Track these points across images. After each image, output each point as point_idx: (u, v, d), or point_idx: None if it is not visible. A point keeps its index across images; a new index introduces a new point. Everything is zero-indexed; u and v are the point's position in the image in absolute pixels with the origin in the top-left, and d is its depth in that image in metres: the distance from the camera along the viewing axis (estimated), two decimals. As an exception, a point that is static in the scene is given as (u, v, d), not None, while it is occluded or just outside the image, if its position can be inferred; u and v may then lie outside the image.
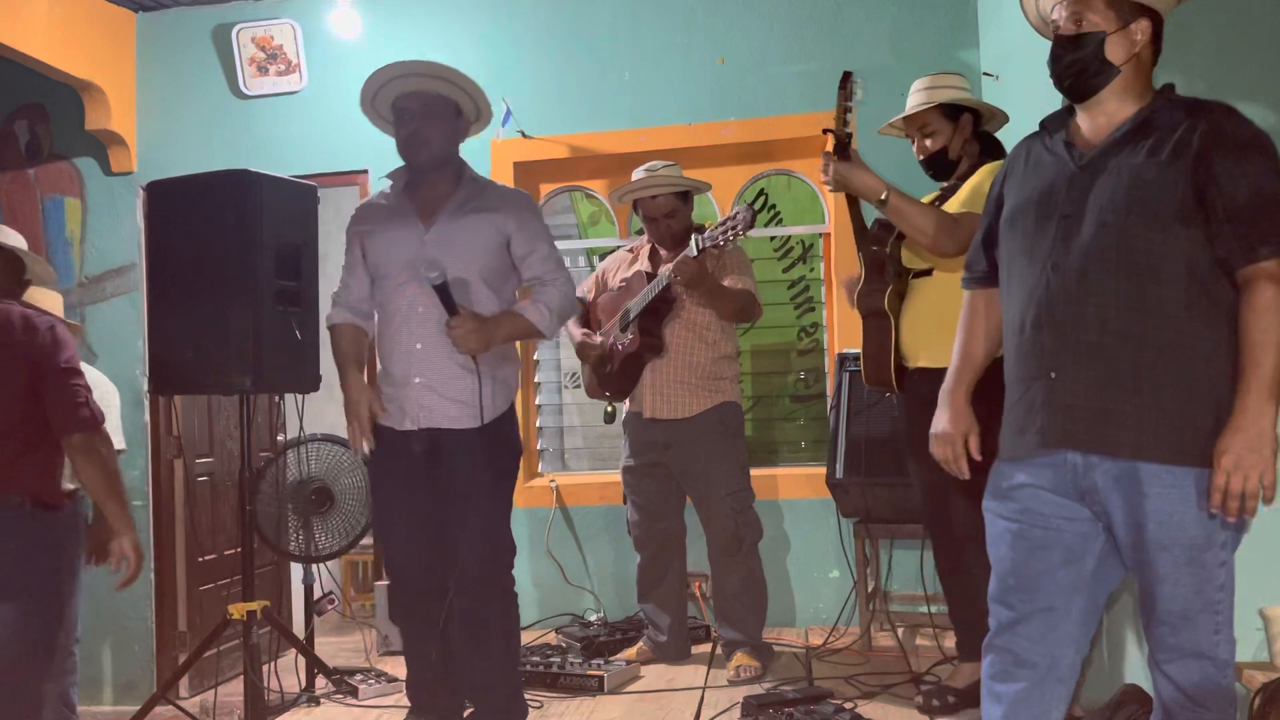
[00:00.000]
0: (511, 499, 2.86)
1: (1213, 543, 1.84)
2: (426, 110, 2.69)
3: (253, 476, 3.33)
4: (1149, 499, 1.84)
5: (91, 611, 3.91)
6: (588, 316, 3.74)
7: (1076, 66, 1.96)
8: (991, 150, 2.92)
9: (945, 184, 2.94)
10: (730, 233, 3.17)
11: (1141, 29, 1.95)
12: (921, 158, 2.95)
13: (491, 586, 2.73)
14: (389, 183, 2.88)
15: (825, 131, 2.76)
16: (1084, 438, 1.89)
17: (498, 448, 2.75)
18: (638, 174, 3.55)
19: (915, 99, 2.94)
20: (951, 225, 2.62)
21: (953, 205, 2.77)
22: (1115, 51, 1.94)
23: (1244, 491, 1.77)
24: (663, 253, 3.56)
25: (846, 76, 2.72)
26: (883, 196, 2.61)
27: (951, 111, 2.89)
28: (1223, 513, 1.79)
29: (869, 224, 2.98)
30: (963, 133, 2.89)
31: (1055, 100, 2.18)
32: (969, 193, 2.74)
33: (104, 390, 3.85)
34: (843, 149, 2.68)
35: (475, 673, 2.75)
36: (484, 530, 2.70)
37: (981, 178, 2.75)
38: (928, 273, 2.86)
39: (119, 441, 3.91)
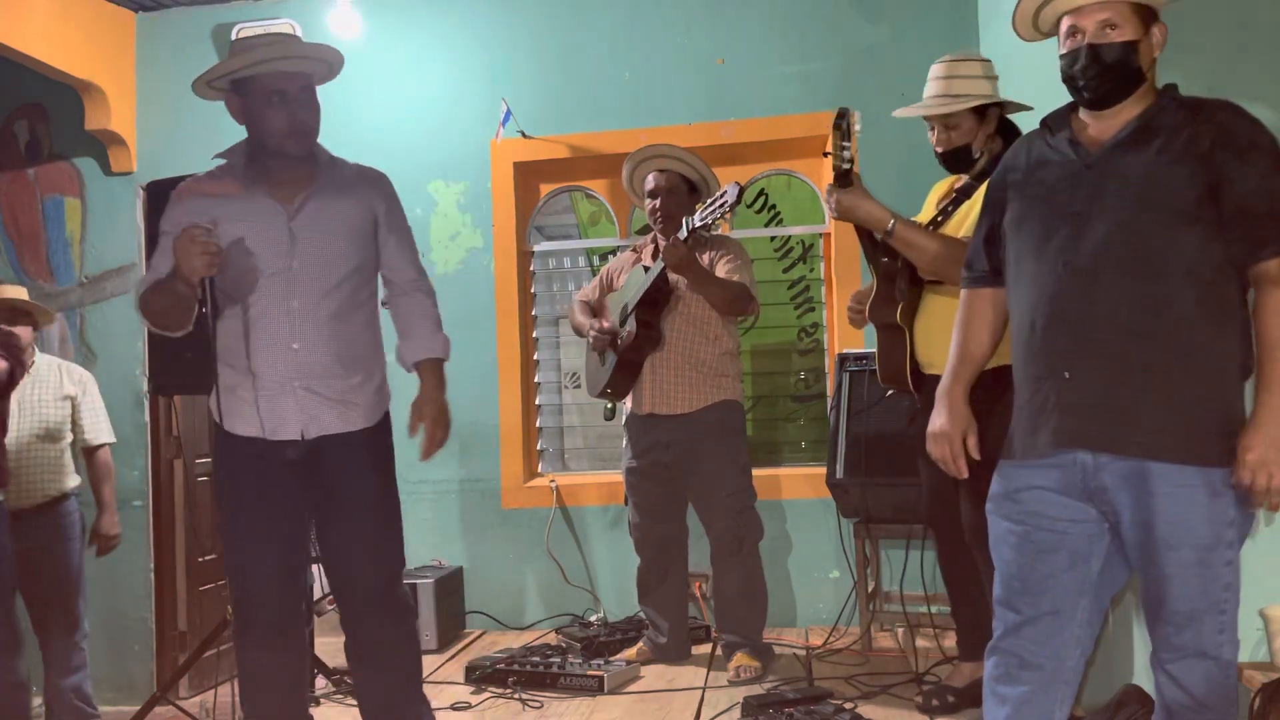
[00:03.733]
0: (399, 503, 2.62)
1: (1220, 542, 1.84)
2: (308, 96, 2.44)
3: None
4: (1158, 498, 1.84)
5: (92, 611, 3.92)
6: (596, 315, 3.73)
7: (1111, 76, 1.94)
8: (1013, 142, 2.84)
9: (964, 180, 2.85)
10: (719, 210, 3.17)
11: (1160, 32, 1.96)
12: (940, 150, 2.84)
13: (382, 605, 2.50)
14: None
15: (825, 154, 2.72)
16: (1097, 437, 1.89)
17: (385, 450, 2.57)
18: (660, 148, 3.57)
19: (938, 87, 2.81)
20: (961, 252, 2.55)
21: (958, 227, 2.70)
22: (1143, 59, 1.95)
23: (1269, 488, 1.79)
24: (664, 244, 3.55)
25: (841, 114, 2.60)
26: (889, 227, 2.57)
27: (979, 108, 2.78)
28: (1249, 507, 1.82)
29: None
30: (987, 127, 2.79)
31: (1054, 99, 2.18)
32: (978, 212, 2.68)
33: (80, 376, 3.90)
34: (844, 178, 2.61)
35: (382, 696, 2.52)
36: (375, 545, 2.49)
37: None
38: (939, 281, 2.82)
39: (109, 433, 3.95)
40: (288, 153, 2.45)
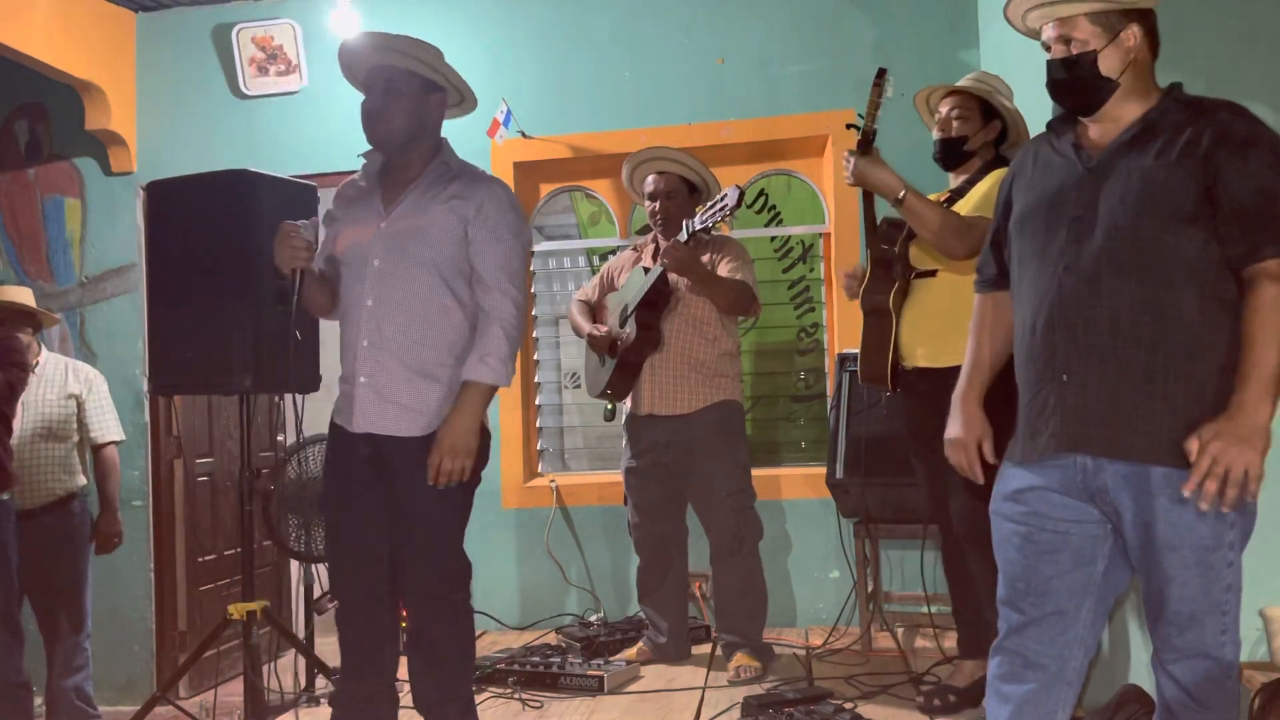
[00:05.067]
0: (467, 510, 2.64)
1: (1221, 543, 1.84)
2: (389, 86, 2.51)
3: (252, 476, 3.33)
4: (1158, 499, 1.84)
5: (92, 611, 3.92)
6: (595, 315, 3.74)
7: (1074, 88, 1.96)
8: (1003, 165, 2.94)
9: (953, 186, 2.94)
10: (720, 213, 3.17)
11: (1132, 35, 1.94)
12: (939, 136, 2.93)
13: (441, 604, 2.56)
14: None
15: (849, 127, 2.80)
16: (1095, 441, 1.89)
17: None
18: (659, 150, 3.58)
19: (966, 82, 2.96)
20: (964, 227, 2.63)
21: (963, 208, 2.78)
22: (1110, 65, 1.94)
23: (1219, 476, 1.76)
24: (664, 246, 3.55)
25: (882, 73, 2.74)
26: (900, 195, 2.63)
27: (989, 112, 2.91)
28: (1200, 496, 1.78)
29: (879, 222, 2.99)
30: (987, 134, 2.92)
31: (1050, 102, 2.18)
32: (980, 197, 2.75)
33: (87, 375, 3.89)
34: (866, 145, 2.71)
35: (425, 688, 2.60)
36: (430, 548, 2.54)
37: (993, 183, 2.75)
38: (932, 273, 2.86)
39: (116, 431, 3.95)
40: (370, 140, 2.57)
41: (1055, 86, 2.00)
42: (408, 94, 2.53)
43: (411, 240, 2.51)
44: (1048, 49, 2.00)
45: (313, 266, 2.61)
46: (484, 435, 2.57)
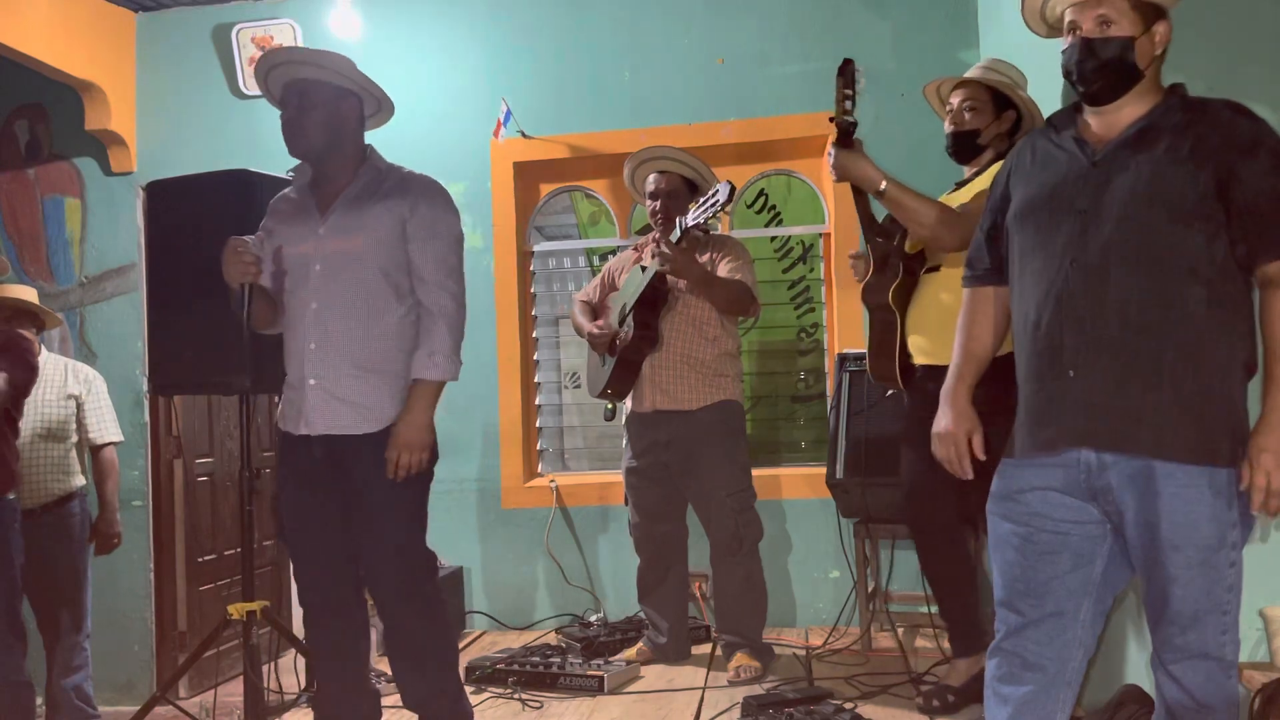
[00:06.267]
0: (425, 502, 2.64)
1: (1224, 543, 1.84)
2: (302, 101, 2.57)
3: (252, 476, 3.32)
4: (1163, 498, 1.84)
5: (92, 611, 3.92)
6: (596, 315, 3.73)
7: (1106, 71, 1.94)
8: None
9: (962, 178, 2.91)
10: (710, 209, 3.17)
11: (1162, 31, 1.95)
12: (952, 129, 2.87)
13: (411, 600, 2.58)
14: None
15: (831, 119, 2.77)
16: (1103, 435, 1.89)
17: None
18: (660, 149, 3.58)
19: (977, 72, 2.89)
20: (953, 217, 2.60)
21: (959, 199, 2.76)
22: (1141, 56, 1.94)
23: (1273, 490, 1.79)
24: (658, 248, 3.55)
25: (846, 64, 2.71)
26: (880, 187, 2.62)
27: (1003, 102, 2.84)
28: (1265, 511, 1.81)
29: (879, 217, 2.97)
30: (1000, 126, 2.85)
31: (1054, 99, 2.18)
32: (977, 188, 2.72)
33: (86, 376, 3.90)
34: (845, 137, 2.69)
35: (413, 686, 2.62)
36: (394, 543, 2.56)
37: (992, 175, 2.73)
38: (935, 269, 2.84)
39: (115, 432, 3.95)
40: (291, 153, 2.62)
41: (1082, 67, 1.95)
42: (321, 104, 2.58)
43: (351, 242, 2.56)
44: (1073, 30, 1.97)
45: (261, 280, 2.64)
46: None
